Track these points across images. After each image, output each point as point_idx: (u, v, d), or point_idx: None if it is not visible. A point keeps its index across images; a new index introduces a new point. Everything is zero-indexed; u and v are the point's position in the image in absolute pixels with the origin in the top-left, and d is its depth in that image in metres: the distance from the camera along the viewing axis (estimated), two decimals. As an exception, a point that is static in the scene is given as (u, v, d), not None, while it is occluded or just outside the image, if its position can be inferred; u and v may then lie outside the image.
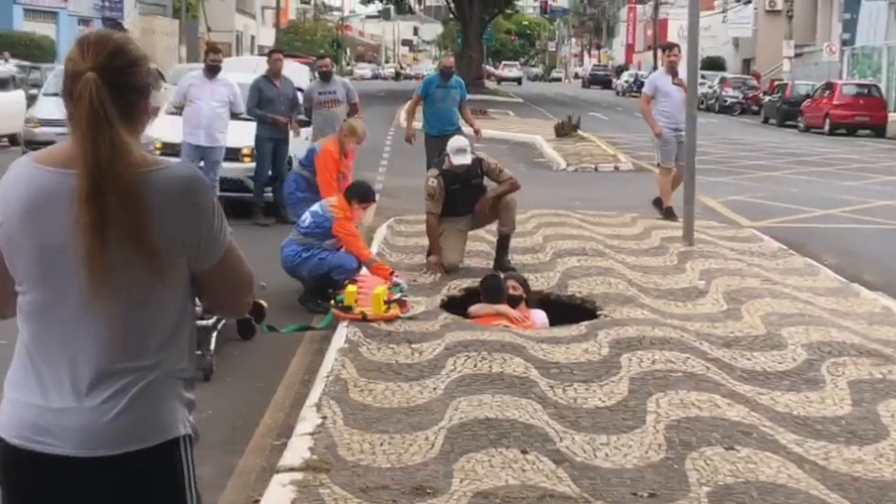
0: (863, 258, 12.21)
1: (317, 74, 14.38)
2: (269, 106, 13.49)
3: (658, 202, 13.89)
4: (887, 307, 9.09)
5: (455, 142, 10.07)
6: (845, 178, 20.93)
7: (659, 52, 13.99)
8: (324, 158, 10.26)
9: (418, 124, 14.92)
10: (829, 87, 37.53)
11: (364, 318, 8.14)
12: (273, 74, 13.85)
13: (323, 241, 9.24)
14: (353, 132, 10.96)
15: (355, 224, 9.43)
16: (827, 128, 35.47)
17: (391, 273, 8.97)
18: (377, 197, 15.92)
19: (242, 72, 14.98)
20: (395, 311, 8.28)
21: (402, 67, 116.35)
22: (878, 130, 35.22)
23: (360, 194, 9.47)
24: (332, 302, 8.57)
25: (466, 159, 9.81)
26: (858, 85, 38.13)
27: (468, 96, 15.27)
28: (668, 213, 13.50)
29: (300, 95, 14.10)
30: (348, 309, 8.31)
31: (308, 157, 10.89)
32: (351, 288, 8.49)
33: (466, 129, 14.23)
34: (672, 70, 13.50)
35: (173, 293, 2.58)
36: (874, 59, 46.76)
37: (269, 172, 13.68)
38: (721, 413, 6.03)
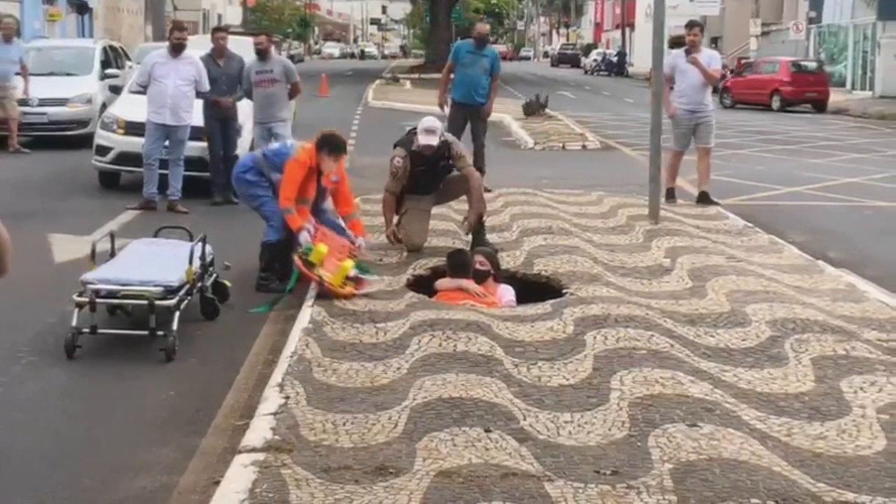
0: (828, 235, 12.26)
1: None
2: (211, 86, 13.26)
3: (704, 196, 13.39)
4: (851, 284, 9.13)
5: (426, 121, 9.94)
6: (811, 155, 21.02)
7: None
8: (293, 167, 8.98)
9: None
10: (751, 65, 40.01)
11: (321, 282, 8.20)
12: (216, 53, 13.61)
13: (272, 173, 9.21)
14: (333, 153, 9.17)
15: (327, 177, 9.12)
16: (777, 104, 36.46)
17: (298, 230, 8.77)
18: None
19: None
20: (350, 289, 8.27)
21: (381, 47, 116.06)
22: (820, 106, 36.24)
23: (330, 145, 9.04)
24: (300, 249, 8.58)
25: (433, 141, 9.69)
26: (797, 64, 38.70)
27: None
28: (669, 195, 13.24)
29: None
30: (311, 266, 8.33)
31: (278, 152, 9.54)
32: (322, 248, 8.51)
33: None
34: (693, 49, 13.22)
35: None
36: (840, 38, 46.96)
37: (221, 152, 13.47)
38: (684, 390, 6.04)
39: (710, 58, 13.59)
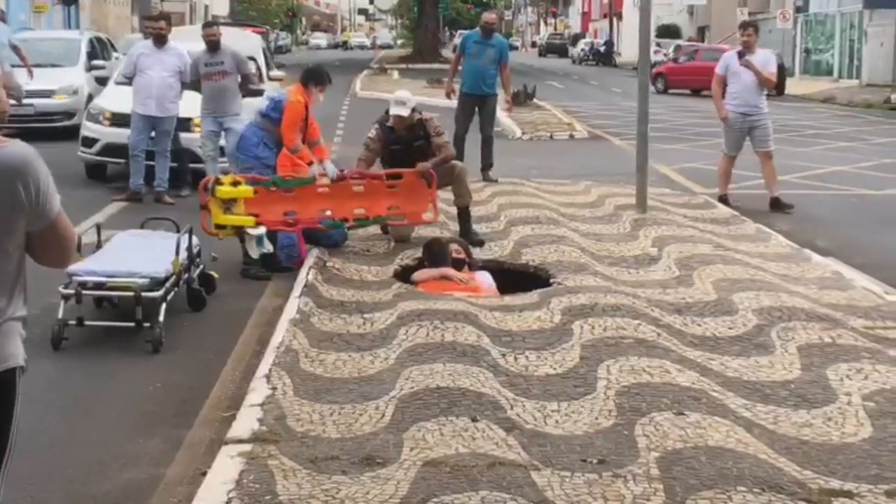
0: (815, 224, 12.28)
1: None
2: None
3: (775, 202, 12.99)
4: (838, 272, 9.15)
5: (398, 94, 10.11)
6: (798, 144, 21.02)
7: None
8: (294, 108, 9.52)
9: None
10: (689, 53, 41.94)
11: (205, 208, 9.04)
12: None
13: (277, 127, 9.48)
14: (319, 84, 9.93)
15: (311, 104, 9.66)
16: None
17: (309, 164, 9.47)
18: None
19: (194, 41, 14.74)
20: (221, 233, 9.12)
21: (374, 37, 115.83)
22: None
23: (316, 77, 9.75)
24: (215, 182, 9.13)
25: (403, 111, 9.75)
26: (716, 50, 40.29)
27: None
28: (722, 201, 12.90)
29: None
30: (211, 192, 9.02)
31: (273, 107, 9.79)
32: (246, 190, 9.09)
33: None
34: (747, 50, 12.84)
35: (15, 244, 3.15)
36: (827, 27, 47.03)
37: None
38: (671, 379, 6.05)
39: (766, 59, 13.12)
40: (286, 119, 9.45)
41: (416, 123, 9.81)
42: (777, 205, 12.96)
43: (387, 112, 9.99)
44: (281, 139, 9.51)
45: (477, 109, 14.37)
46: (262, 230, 9.01)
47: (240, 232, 9.07)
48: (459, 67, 14.82)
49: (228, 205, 9.07)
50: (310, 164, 9.48)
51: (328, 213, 9.38)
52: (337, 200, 9.48)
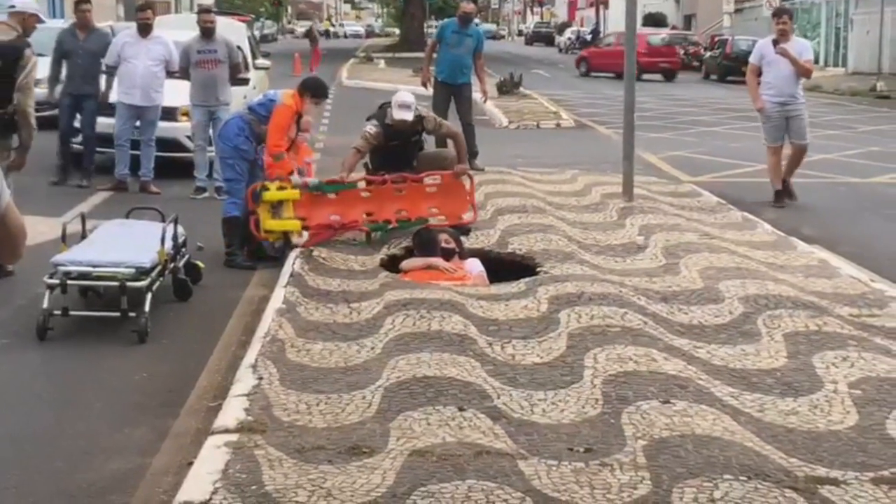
0: (801, 212, 12.31)
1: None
2: (69, 59, 13.00)
3: (778, 194, 12.69)
4: (824, 260, 9.17)
5: (401, 96, 9.93)
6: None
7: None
8: (283, 111, 9.29)
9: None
10: (608, 37, 45.96)
11: (254, 214, 9.04)
12: (78, 26, 13.19)
13: (261, 125, 9.32)
14: (316, 97, 9.69)
15: (306, 122, 9.55)
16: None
17: (290, 173, 9.29)
18: (317, 156, 15.83)
19: (179, 30, 14.67)
20: (270, 237, 9.16)
21: (332, 25, 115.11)
22: (670, 75, 42.29)
23: (314, 88, 9.54)
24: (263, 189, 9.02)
25: (408, 116, 9.69)
26: (654, 32, 46.25)
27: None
28: (777, 197, 12.60)
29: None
30: (260, 198, 8.96)
31: (263, 103, 9.61)
32: (294, 194, 9.06)
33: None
34: (782, 38, 12.53)
35: None
36: (813, 15, 47.11)
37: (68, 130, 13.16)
38: (658, 367, 6.06)
39: (802, 47, 12.80)
40: (273, 122, 9.20)
41: (415, 120, 9.82)
42: (786, 190, 12.70)
43: (381, 108, 9.97)
44: (262, 136, 9.36)
45: (453, 98, 14.37)
46: (305, 237, 9.07)
47: (286, 236, 9.13)
48: (434, 55, 14.80)
49: (277, 209, 9.02)
50: (290, 173, 9.22)
51: (372, 215, 9.45)
52: (379, 203, 9.51)
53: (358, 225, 9.38)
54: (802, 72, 12.49)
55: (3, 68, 8.76)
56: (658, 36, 45.56)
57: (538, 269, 8.54)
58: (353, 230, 9.44)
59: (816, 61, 43.63)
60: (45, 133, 17.29)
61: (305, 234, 9.10)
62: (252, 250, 9.36)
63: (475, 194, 10.06)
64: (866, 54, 41.13)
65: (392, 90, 12.85)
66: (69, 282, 7.33)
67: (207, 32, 12.76)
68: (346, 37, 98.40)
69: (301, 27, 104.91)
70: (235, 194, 9.30)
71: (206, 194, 12.45)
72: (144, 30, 12.93)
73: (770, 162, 12.89)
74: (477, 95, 15.21)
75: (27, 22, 9.77)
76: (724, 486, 4.54)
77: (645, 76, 38.26)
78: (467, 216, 9.82)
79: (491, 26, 78.43)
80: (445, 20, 17.14)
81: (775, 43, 12.52)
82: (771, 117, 12.71)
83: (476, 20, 18.12)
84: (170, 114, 13.31)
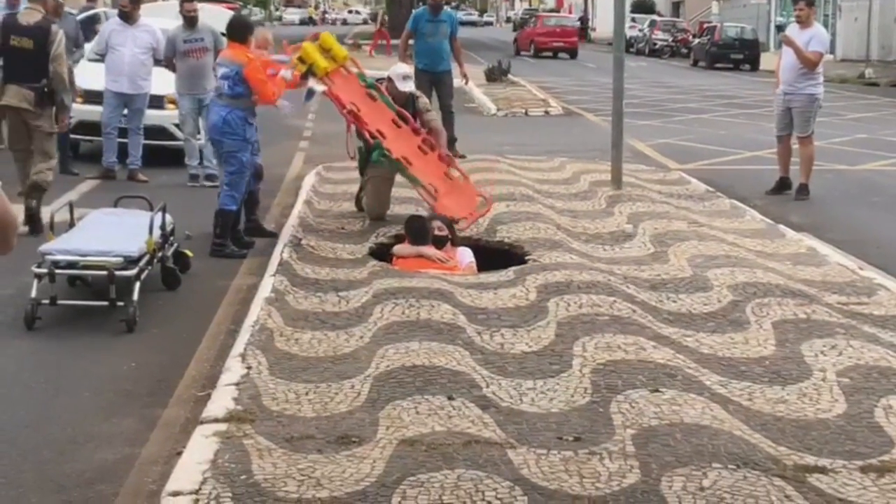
0: (789, 199, 12.32)
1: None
2: None
3: (802, 187, 12.38)
4: (812, 248, 9.18)
5: (399, 68, 10.22)
6: (773, 119, 21.06)
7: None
8: (251, 68, 9.22)
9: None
10: (536, 18, 53.11)
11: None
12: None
13: (248, 99, 9.30)
14: (244, 36, 9.61)
15: (276, 68, 9.58)
16: (532, 51, 47.44)
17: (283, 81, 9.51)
18: (305, 145, 15.84)
19: (165, 17, 14.60)
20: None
21: (325, 12, 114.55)
22: (571, 52, 47.10)
23: (240, 32, 9.52)
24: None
25: (410, 86, 9.98)
26: (557, 16, 55.64)
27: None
28: (777, 186, 12.53)
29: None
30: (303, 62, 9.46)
31: (234, 83, 9.30)
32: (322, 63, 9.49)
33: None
34: (801, 24, 12.28)
35: None
36: (802, 2, 47.05)
37: None
38: (646, 356, 6.06)
39: (812, 37, 12.27)
40: (254, 81, 9.17)
41: (409, 95, 9.93)
42: (801, 190, 12.39)
43: (378, 80, 10.08)
44: (254, 107, 9.38)
45: (434, 86, 14.36)
46: (322, 87, 9.57)
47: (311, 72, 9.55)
48: (410, 42, 14.78)
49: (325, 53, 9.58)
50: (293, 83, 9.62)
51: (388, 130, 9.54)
52: (397, 140, 9.48)
53: (365, 128, 9.45)
54: (802, 61, 12.21)
55: (35, 46, 9.91)
56: (552, 18, 54.08)
57: (527, 258, 8.54)
58: (359, 127, 9.54)
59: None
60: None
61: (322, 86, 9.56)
62: (234, 236, 9.33)
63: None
64: (855, 41, 41.20)
65: (381, 77, 12.77)
66: (57, 271, 7.31)
67: (191, 21, 12.61)
68: (345, 24, 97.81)
69: (289, 14, 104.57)
70: (236, 187, 9.21)
71: (200, 182, 12.44)
72: (126, 17, 12.84)
73: (778, 150, 12.88)
74: (457, 81, 15.17)
75: (52, 7, 11.06)
76: (712, 475, 4.55)
77: (543, 54, 46.54)
78: (462, 218, 9.45)
79: (472, 14, 78.55)
80: (417, 10, 17.12)
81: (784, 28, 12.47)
82: (777, 104, 12.76)
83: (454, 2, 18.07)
84: (157, 102, 13.24)
